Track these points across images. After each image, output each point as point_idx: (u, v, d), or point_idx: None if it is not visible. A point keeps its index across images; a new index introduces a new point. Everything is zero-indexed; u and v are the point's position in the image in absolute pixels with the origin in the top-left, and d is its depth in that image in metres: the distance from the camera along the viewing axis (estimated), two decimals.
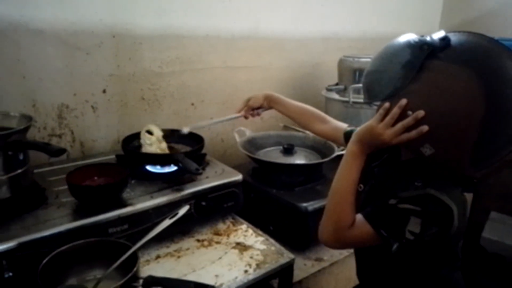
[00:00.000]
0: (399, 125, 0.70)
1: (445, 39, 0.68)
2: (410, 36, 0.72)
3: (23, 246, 0.75)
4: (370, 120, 0.76)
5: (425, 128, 0.66)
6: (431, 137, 0.67)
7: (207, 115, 1.50)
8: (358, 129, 0.79)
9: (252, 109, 1.19)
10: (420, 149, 0.69)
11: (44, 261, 0.72)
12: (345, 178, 0.79)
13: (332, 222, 0.78)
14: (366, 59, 1.53)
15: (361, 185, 0.84)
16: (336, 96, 1.61)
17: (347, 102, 1.51)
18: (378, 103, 0.76)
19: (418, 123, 0.67)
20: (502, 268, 1.80)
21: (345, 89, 1.58)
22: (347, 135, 0.98)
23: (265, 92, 1.19)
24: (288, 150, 1.36)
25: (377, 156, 0.85)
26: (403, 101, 0.69)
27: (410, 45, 0.70)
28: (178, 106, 1.42)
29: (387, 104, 0.72)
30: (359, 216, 0.77)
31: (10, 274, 0.74)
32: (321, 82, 1.78)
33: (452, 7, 2.42)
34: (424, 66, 0.68)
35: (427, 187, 0.71)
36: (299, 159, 1.35)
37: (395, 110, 0.70)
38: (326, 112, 1.68)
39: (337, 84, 1.66)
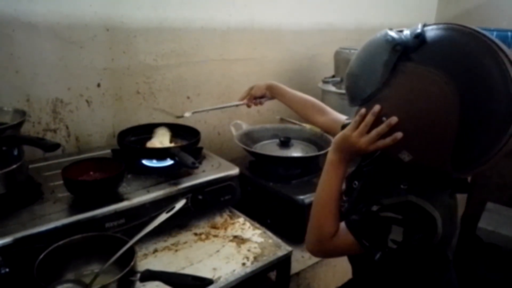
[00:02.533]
0: (374, 132, 0.68)
1: (419, 37, 0.64)
2: (384, 35, 0.68)
3: (19, 242, 0.75)
4: (347, 127, 0.75)
5: (399, 135, 0.65)
6: (407, 144, 0.65)
7: (204, 107, 1.49)
8: (336, 137, 0.78)
9: (255, 98, 1.21)
10: (398, 155, 0.67)
11: (41, 257, 0.72)
12: (326, 188, 0.78)
13: (315, 232, 0.78)
14: None
15: (356, 182, 0.84)
16: (332, 88, 1.60)
17: (344, 94, 1.50)
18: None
19: (392, 129, 0.65)
20: (498, 258, 1.82)
21: (342, 81, 1.57)
22: (344, 128, 0.98)
23: (268, 81, 1.19)
24: (285, 143, 1.36)
25: (369, 155, 0.84)
26: (376, 107, 0.67)
27: (383, 46, 0.67)
28: (173, 99, 1.41)
29: (362, 110, 0.70)
30: (342, 225, 0.76)
31: (7, 270, 0.73)
32: (317, 74, 1.78)
33: None
34: (396, 69, 0.65)
35: (410, 193, 0.69)
36: (295, 152, 1.35)
37: (369, 117, 0.68)
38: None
39: (333, 76, 1.66)
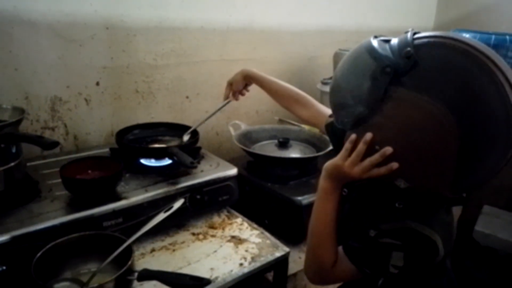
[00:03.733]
0: (367, 162, 0.65)
1: (410, 57, 0.58)
2: (370, 51, 0.63)
3: (16, 240, 0.75)
4: (338, 156, 0.71)
5: (394, 165, 0.62)
6: (403, 173, 0.63)
7: (202, 108, 1.49)
8: (327, 164, 0.74)
9: (239, 92, 1.18)
10: (394, 183, 0.65)
11: (38, 255, 0.72)
12: (321, 218, 0.75)
13: (314, 262, 0.76)
14: None
15: (345, 190, 0.79)
16: None
17: None
18: None
19: (387, 159, 0.62)
20: (494, 261, 1.82)
21: None
22: (328, 127, 0.89)
23: (243, 70, 1.14)
24: (283, 144, 1.36)
25: None
26: (368, 136, 0.63)
27: (370, 66, 0.61)
28: (173, 99, 1.41)
29: (353, 137, 0.67)
30: (341, 253, 0.73)
31: (4, 267, 0.73)
32: (316, 75, 1.78)
33: (447, 1, 2.42)
34: (387, 94, 0.60)
35: (407, 217, 0.66)
36: (294, 153, 1.35)
37: (361, 146, 0.65)
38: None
39: (332, 78, 1.66)
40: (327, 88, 1.60)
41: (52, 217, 0.81)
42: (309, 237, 0.77)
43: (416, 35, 0.62)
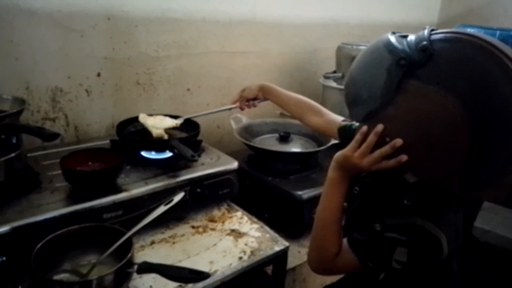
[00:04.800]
0: (377, 153, 0.65)
1: (425, 51, 0.58)
2: (387, 45, 0.63)
3: (16, 231, 0.75)
4: (348, 147, 0.71)
5: (404, 157, 0.62)
6: (412, 166, 0.63)
7: (203, 101, 1.49)
8: (336, 155, 0.74)
9: (247, 100, 1.17)
10: (403, 176, 0.65)
11: (38, 246, 0.72)
12: (328, 207, 0.76)
13: (317, 251, 0.77)
14: (365, 47, 1.51)
15: (356, 188, 0.82)
16: (333, 84, 1.60)
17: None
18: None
19: (397, 151, 0.62)
20: (493, 257, 1.83)
21: (343, 77, 1.56)
22: (341, 130, 0.95)
23: (260, 82, 1.16)
24: (284, 138, 1.35)
25: None
26: (379, 127, 0.64)
27: (386, 59, 0.62)
28: (174, 91, 1.41)
29: (364, 128, 0.67)
30: (345, 244, 0.74)
31: (4, 258, 0.73)
32: (318, 69, 1.77)
33: None
34: (401, 86, 0.60)
35: (414, 214, 0.67)
36: (295, 147, 1.35)
37: (371, 138, 0.65)
38: (323, 100, 1.69)
39: (334, 72, 1.65)
40: (329, 83, 1.60)
41: (52, 208, 0.81)
42: (315, 227, 0.78)
43: (433, 31, 0.62)
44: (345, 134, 0.93)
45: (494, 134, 0.56)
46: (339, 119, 1.01)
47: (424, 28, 0.63)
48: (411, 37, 0.63)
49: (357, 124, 0.72)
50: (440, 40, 0.60)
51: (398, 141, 0.62)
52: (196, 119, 1.21)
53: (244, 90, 1.17)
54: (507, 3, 2.19)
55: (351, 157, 0.70)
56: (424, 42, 0.59)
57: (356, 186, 0.82)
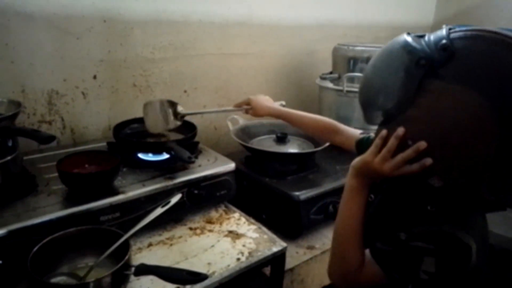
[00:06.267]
0: (399, 157, 0.62)
1: (446, 49, 0.56)
2: (404, 45, 0.61)
3: (13, 234, 0.75)
4: (367, 152, 0.68)
5: (428, 161, 0.59)
6: (438, 170, 0.60)
7: (200, 102, 1.49)
8: (355, 161, 0.72)
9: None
10: (428, 181, 0.62)
11: (35, 249, 0.72)
12: (348, 216, 0.72)
13: (339, 265, 0.73)
14: (361, 48, 1.52)
15: (372, 196, 0.77)
16: (330, 84, 1.60)
17: (341, 91, 1.50)
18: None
19: (420, 155, 0.59)
20: (491, 256, 1.83)
21: (339, 77, 1.57)
22: (358, 144, 0.92)
23: (269, 110, 1.15)
24: (281, 139, 1.35)
25: None
26: (401, 130, 0.61)
27: (404, 59, 0.60)
28: (170, 93, 1.41)
29: (384, 132, 0.64)
30: (367, 256, 0.69)
31: (0, 261, 0.73)
32: (315, 70, 1.77)
33: None
34: (422, 87, 0.58)
35: (441, 220, 0.63)
36: (292, 148, 1.35)
37: (392, 142, 0.62)
38: (320, 101, 1.69)
39: (331, 73, 1.65)
40: (326, 83, 1.60)
41: (49, 211, 0.81)
42: (335, 237, 0.74)
43: (452, 30, 0.60)
44: (363, 147, 0.89)
45: None
46: (357, 132, 0.98)
47: (441, 28, 0.61)
48: (429, 36, 0.60)
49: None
50: (460, 38, 0.57)
51: (422, 144, 0.59)
52: (192, 121, 1.21)
53: (250, 108, 1.17)
54: (503, 3, 2.20)
55: (371, 163, 0.67)
56: (444, 41, 0.57)
57: (371, 194, 0.77)
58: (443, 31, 0.59)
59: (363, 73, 0.70)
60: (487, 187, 0.58)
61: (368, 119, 0.69)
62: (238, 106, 1.21)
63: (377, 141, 0.66)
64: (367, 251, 0.71)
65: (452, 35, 0.58)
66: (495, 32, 0.55)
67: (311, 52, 1.82)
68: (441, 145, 0.58)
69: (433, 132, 0.58)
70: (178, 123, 1.15)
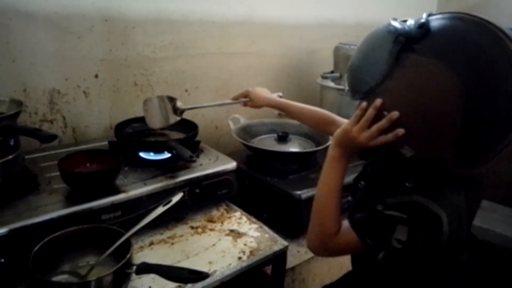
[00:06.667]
0: (374, 127, 0.66)
1: (423, 27, 0.61)
2: (387, 26, 0.66)
3: (14, 233, 0.75)
4: (348, 122, 0.73)
5: (400, 131, 0.63)
6: (409, 139, 0.63)
7: (201, 101, 1.48)
8: (336, 131, 0.76)
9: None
10: (400, 150, 0.66)
11: (37, 248, 0.72)
12: (326, 184, 0.76)
13: (316, 230, 0.77)
14: None
15: (362, 182, 0.82)
16: (331, 84, 1.60)
17: (342, 90, 1.50)
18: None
19: (394, 124, 0.63)
20: (491, 255, 1.83)
21: (341, 76, 1.57)
22: None
23: (268, 101, 1.15)
24: (283, 138, 1.35)
25: (372, 153, 0.83)
26: (378, 101, 0.65)
27: (385, 38, 0.64)
28: (171, 92, 1.40)
29: (364, 104, 0.69)
30: (345, 224, 0.74)
31: (2, 260, 0.73)
32: (316, 69, 1.77)
33: None
34: (399, 61, 0.63)
35: (414, 193, 0.67)
36: (293, 147, 1.35)
37: (370, 112, 0.67)
38: (321, 100, 1.69)
39: (332, 72, 1.65)
40: (327, 83, 1.60)
41: (51, 210, 0.81)
42: (315, 204, 0.78)
43: (432, 14, 0.65)
44: None
45: (486, 108, 0.58)
46: None
47: (422, 14, 0.66)
48: (411, 21, 0.65)
49: None
50: (437, 18, 0.63)
51: (395, 114, 0.63)
52: (194, 120, 1.21)
53: (250, 100, 1.17)
54: (503, 2, 2.20)
55: (350, 131, 0.71)
56: (422, 20, 0.62)
57: (362, 181, 0.82)
58: (424, 15, 0.64)
59: (352, 55, 0.74)
60: (453, 159, 0.62)
61: (353, 94, 0.73)
62: (236, 98, 1.20)
63: (357, 112, 0.70)
64: (346, 221, 0.74)
65: (430, 17, 0.64)
66: (472, 15, 0.61)
67: (311, 51, 1.82)
68: (412, 115, 0.62)
69: (405, 102, 0.62)
70: (178, 118, 1.14)
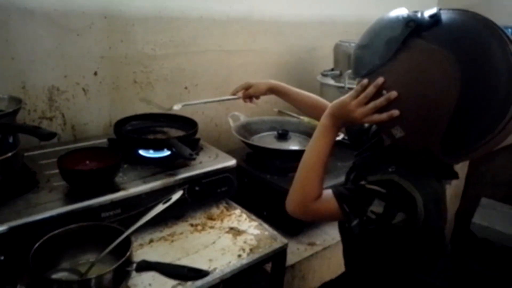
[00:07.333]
0: (371, 104, 0.69)
1: (434, 17, 0.64)
2: (400, 12, 0.69)
3: (14, 230, 0.75)
4: (346, 95, 0.74)
5: (396, 112, 0.65)
6: (402, 120, 0.66)
7: (201, 99, 1.48)
8: (333, 102, 0.78)
9: (251, 96, 1.17)
10: (391, 130, 0.68)
11: (36, 245, 0.72)
12: (314, 150, 0.79)
13: (298, 193, 0.79)
14: None
15: (352, 175, 0.84)
16: (331, 81, 1.60)
17: (343, 87, 1.50)
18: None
19: (390, 104, 0.66)
20: (491, 253, 1.84)
21: (341, 74, 1.57)
22: (348, 127, 0.98)
23: (269, 82, 1.15)
24: (283, 136, 1.35)
25: (362, 144, 0.85)
26: (380, 80, 0.67)
27: (396, 21, 0.67)
28: (171, 89, 1.40)
29: (365, 81, 0.70)
30: (328, 191, 0.76)
31: (2, 258, 0.73)
32: (316, 67, 1.77)
33: None
34: (406, 44, 0.65)
35: (393, 173, 0.71)
36: (293, 145, 1.35)
37: (370, 89, 0.68)
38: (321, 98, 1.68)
39: (332, 70, 1.65)
40: (327, 80, 1.60)
41: (50, 207, 0.81)
42: (300, 168, 0.80)
43: (443, 9, 0.68)
44: (351, 128, 0.96)
45: (479, 100, 0.61)
46: None
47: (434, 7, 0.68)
48: (422, 12, 0.68)
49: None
50: (448, 11, 0.66)
51: (393, 93, 0.65)
52: (194, 117, 1.21)
53: (250, 86, 1.16)
54: (504, 3, 2.20)
55: (348, 104, 0.73)
56: (434, 11, 0.65)
57: (352, 173, 0.85)
58: (435, 8, 0.67)
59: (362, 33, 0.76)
60: (441, 148, 0.65)
61: (356, 72, 0.74)
62: (235, 92, 1.18)
63: (358, 87, 0.72)
64: (329, 190, 0.77)
65: (442, 11, 0.67)
66: (479, 14, 0.65)
67: (311, 49, 1.82)
68: (409, 96, 0.64)
69: (404, 83, 0.65)
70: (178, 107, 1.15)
